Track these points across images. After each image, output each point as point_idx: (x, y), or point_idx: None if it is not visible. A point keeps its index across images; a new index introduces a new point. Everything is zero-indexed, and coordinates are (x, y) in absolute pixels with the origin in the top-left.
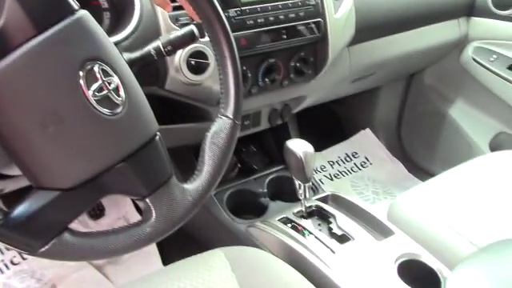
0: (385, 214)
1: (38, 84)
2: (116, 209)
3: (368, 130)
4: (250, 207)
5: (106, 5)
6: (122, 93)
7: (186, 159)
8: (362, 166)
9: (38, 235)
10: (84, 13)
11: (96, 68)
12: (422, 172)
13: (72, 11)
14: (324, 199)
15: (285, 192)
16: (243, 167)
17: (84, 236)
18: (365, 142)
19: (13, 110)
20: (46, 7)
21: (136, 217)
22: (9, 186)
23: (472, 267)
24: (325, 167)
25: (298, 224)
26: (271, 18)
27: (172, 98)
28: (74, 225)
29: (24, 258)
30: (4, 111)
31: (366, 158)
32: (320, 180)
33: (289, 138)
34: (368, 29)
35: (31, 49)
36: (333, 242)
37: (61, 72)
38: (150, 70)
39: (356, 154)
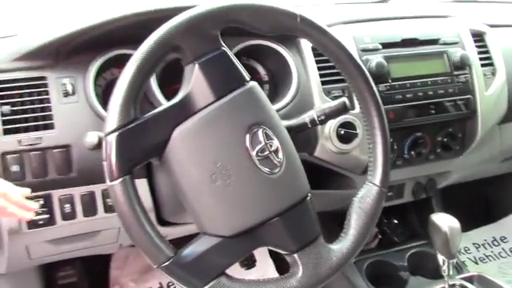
0: None
1: (212, 144)
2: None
3: None
4: (388, 279)
5: (266, 78)
6: (280, 155)
7: (329, 224)
8: (511, 252)
9: (201, 275)
10: (254, 84)
11: (260, 132)
12: None
13: (244, 82)
14: (469, 279)
15: (426, 268)
16: (384, 238)
17: (238, 282)
18: None
19: (190, 164)
20: (225, 78)
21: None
22: (171, 234)
23: None
24: (469, 249)
25: None
26: (420, 94)
27: (319, 164)
28: (228, 271)
29: None
30: (184, 165)
31: None
32: (464, 262)
33: (432, 213)
34: None
35: (209, 113)
36: None
37: (231, 134)
38: (302, 137)
39: (505, 238)
